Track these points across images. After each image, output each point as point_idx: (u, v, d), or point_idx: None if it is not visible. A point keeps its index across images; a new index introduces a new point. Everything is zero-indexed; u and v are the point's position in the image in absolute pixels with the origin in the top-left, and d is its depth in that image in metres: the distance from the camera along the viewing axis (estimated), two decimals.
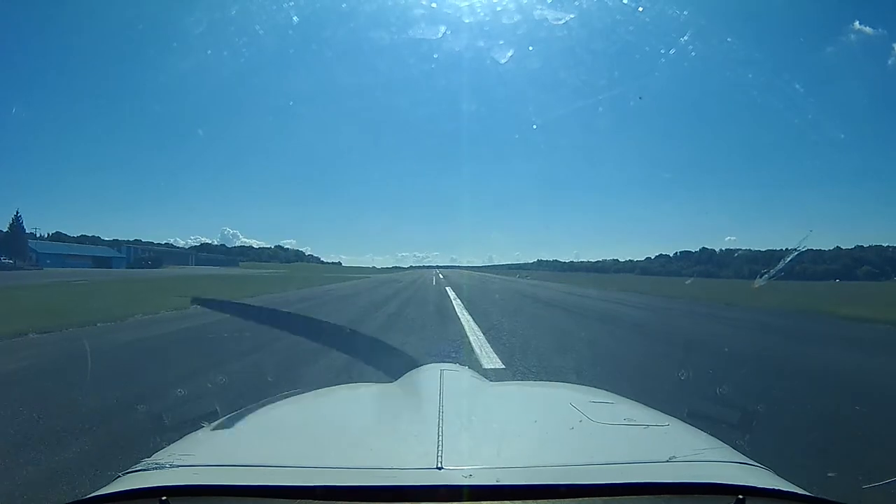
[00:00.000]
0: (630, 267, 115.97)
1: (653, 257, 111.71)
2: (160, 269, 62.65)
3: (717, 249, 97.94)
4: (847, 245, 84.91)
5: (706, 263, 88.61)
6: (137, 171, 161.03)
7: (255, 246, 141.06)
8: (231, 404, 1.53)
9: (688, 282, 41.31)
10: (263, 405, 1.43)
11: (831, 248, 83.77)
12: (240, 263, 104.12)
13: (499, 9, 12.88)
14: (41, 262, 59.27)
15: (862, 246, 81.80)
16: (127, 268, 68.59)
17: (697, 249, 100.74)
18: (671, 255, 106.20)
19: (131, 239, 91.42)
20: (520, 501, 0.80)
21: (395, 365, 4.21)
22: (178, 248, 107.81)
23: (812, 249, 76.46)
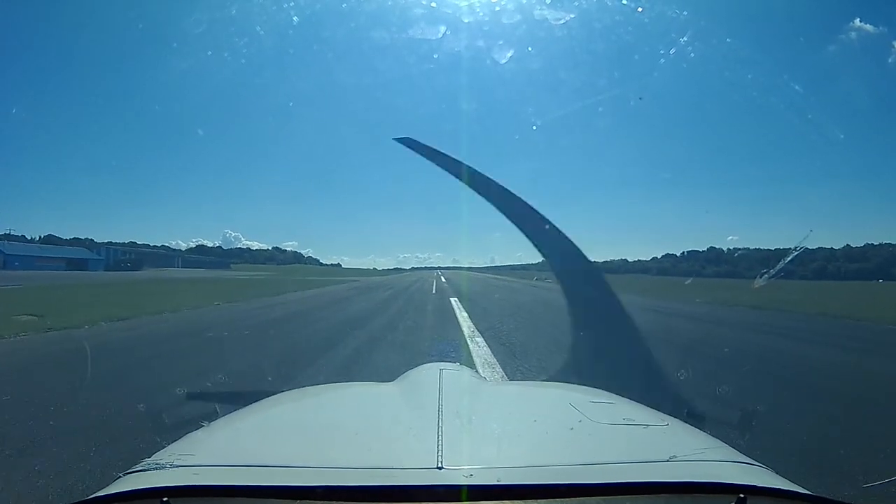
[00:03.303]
0: (641, 267, 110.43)
1: (659, 257, 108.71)
2: (138, 272, 57.27)
3: (724, 248, 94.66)
4: (856, 243, 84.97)
5: (715, 263, 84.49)
6: (140, 174, 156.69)
7: (253, 248, 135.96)
8: None
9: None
10: (263, 405, 1.42)
11: (841, 247, 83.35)
12: (232, 265, 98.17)
13: (498, 9, 12.53)
14: (9, 264, 53.03)
15: (872, 244, 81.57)
16: (105, 270, 62.63)
17: (705, 248, 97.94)
18: (678, 254, 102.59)
19: (126, 241, 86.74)
20: (520, 501, 0.80)
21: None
22: (175, 250, 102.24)
23: (823, 248, 79.22)
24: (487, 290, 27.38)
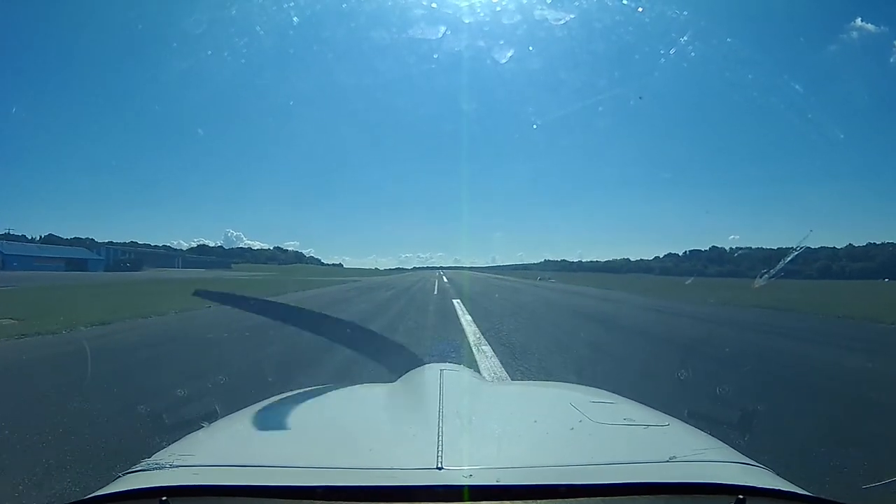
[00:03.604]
0: (644, 267, 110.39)
1: (661, 256, 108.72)
2: (138, 273, 57.30)
3: (727, 248, 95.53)
4: (859, 242, 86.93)
5: (718, 262, 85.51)
6: (142, 174, 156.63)
7: (254, 248, 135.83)
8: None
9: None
10: (263, 405, 1.41)
11: (844, 246, 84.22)
12: (233, 265, 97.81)
13: (499, 9, 12.90)
14: (8, 264, 52.81)
15: (874, 243, 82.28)
16: (105, 270, 62.27)
17: (707, 248, 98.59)
18: (680, 253, 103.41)
19: (128, 241, 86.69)
20: (520, 501, 0.80)
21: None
22: (176, 250, 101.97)
23: (826, 247, 79.99)
24: (489, 291, 26.52)
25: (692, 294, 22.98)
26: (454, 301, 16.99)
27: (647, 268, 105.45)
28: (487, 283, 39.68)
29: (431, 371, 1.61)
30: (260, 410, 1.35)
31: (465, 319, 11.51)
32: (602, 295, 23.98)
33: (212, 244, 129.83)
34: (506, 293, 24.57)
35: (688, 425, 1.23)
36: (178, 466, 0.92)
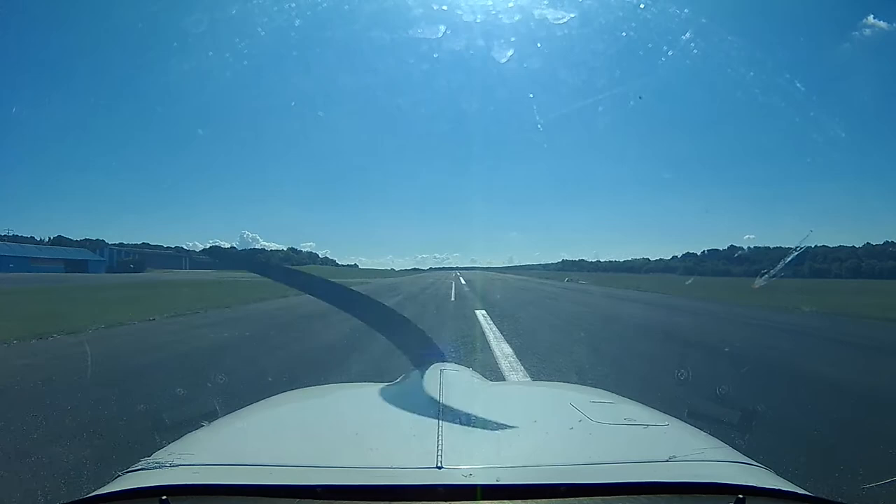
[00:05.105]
0: (664, 266, 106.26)
1: (679, 256, 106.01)
2: (140, 274, 55.37)
3: (745, 247, 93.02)
4: (876, 240, 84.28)
5: (736, 261, 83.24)
6: (158, 176, 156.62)
7: (269, 249, 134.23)
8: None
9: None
10: (263, 405, 1.42)
11: (862, 245, 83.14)
12: None
13: (510, 4, 11.04)
14: (3, 265, 50.58)
15: (892, 241, 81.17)
16: (107, 271, 59.91)
17: (726, 247, 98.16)
18: (698, 253, 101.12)
19: (140, 243, 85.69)
20: (520, 500, 0.80)
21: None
22: (188, 251, 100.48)
23: (845, 246, 79.65)
24: (520, 297, 21.32)
25: (771, 299, 18.29)
26: (478, 313, 12.70)
27: (666, 267, 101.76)
28: (510, 285, 34.76)
29: (431, 371, 1.59)
30: (260, 410, 1.36)
31: (502, 351, 7.24)
32: (688, 306, 18.24)
33: (226, 245, 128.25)
34: (535, 296, 20.18)
35: (688, 425, 1.23)
36: (177, 465, 0.92)
